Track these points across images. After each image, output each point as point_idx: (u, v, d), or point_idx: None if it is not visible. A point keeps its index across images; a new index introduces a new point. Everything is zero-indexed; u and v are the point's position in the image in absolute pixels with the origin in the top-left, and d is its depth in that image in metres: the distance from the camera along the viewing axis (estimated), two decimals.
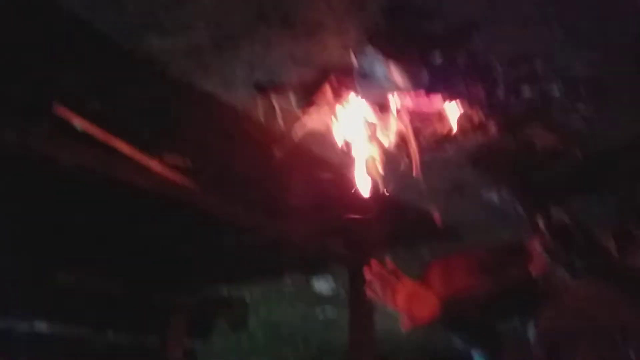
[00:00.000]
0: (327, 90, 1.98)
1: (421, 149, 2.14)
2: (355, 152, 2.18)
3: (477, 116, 2.03)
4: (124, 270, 3.72)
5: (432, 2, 1.67)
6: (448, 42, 1.77)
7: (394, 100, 1.97)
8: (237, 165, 2.53)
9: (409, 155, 2.09)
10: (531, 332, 1.84)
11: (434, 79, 1.83)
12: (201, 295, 4.32)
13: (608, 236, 1.71)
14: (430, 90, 1.89)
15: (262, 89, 2.01)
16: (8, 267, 3.01)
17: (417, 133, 2.10)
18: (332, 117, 2.08)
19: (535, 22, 1.72)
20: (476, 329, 1.89)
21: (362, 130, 2.08)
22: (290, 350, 5.91)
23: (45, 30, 1.80)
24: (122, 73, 2.01)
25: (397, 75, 1.80)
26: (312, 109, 2.08)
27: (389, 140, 2.10)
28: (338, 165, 2.31)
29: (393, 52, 1.79)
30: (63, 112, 2.14)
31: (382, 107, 2.00)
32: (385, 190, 2.65)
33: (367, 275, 1.84)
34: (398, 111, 2.00)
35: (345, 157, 2.21)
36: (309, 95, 1.99)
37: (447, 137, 2.16)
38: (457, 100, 1.96)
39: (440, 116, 2.04)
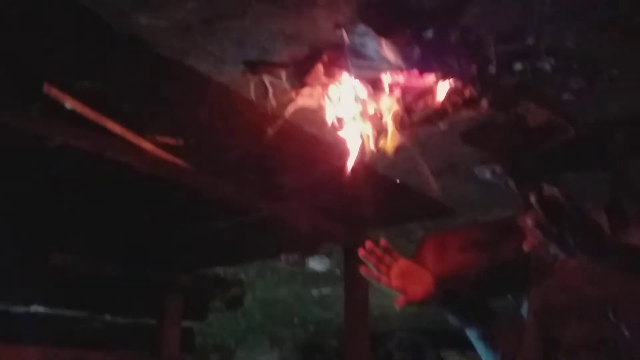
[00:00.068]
0: (319, 68, 1.96)
1: (414, 126, 2.13)
2: (348, 131, 2.17)
3: (469, 92, 2.02)
4: (119, 252, 3.73)
5: None
6: (440, 18, 1.75)
7: (386, 78, 1.96)
8: (229, 145, 2.52)
9: (401, 133, 2.08)
10: (524, 309, 1.85)
11: (426, 56, 1.82)
12: (197, 276, 4.33)
13: (600, 212, 1.71)
14: (422, 67, 1.88)
15: (253, 67, 1.99)
16: (2, 250, 3.00)
17: (409, 110, 2.10)
18: (325, 95, 2.07)
19: None
20: (470, 306, 1.90)
21: (355, 108, 2.08)
22: (286, 329, 5.95)
23: (34, 10, 1.78)
24: (111, 52, 1.99)
25: (389, 52, 1.79)
26: (305, 88, 2.07)
27: (381, 118, 2.09)
28: (331, 144, 2.30)
29: (385, 28, 1.77)
30: (53, 92, 2.13)
31: (374, 85, 1.99)
32: (378, 168, 2.66)
33: (361, 254, 1.84)
34: (390, 88, 1.98)
35: (338, 135, 2.21)
36: (300, 74, 1.97)
37: (440, 114, 2.15)
38: (449, 76, 1.95)
39: (433, 93, 2.03)
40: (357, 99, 2.05)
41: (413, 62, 1.82)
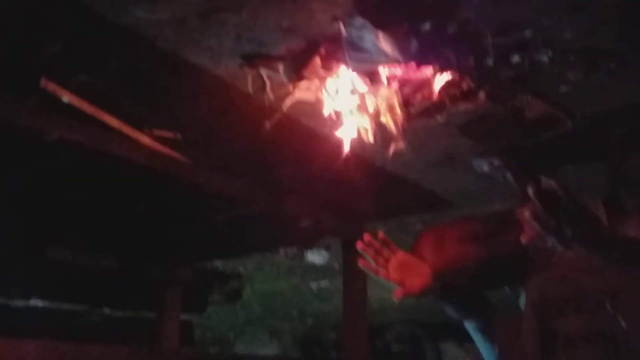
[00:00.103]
0: (317, 61, 1.96)
1: (411, 119, 2.13)
2: (345, 124, 2.17)
3: (467, 85, 2.02)
4: (118, 246, 3.73)
5: None
6: (437, 10, 1.75)
7: (384, 71, 1.95)
8: (227, 138, 2.52)
9: (399, 126, 2.08)
10: (522, 301, 1.85)
11: (423, 48, 1.81)
12: (196, 269, 4.33)
13: (598, 204, 1.72)
14: (419, 59, 1.88)
15: (251, 60, 1.99)
16: (1, 244, 3.01)
17: (407, 103, 2.09)
18: (322, 88, 2.07)
19: None
20: (468, 298, 1.90)
21: (352, 101, 2.07)
22: (285, 322, 5.96)
23: (30, 3, 1.78)
24: (108, 45, 1.98)
25: (386, 44, 1.79)
26: (302, 82, 2.06)
27: (379, 111, 2.09)
28: (329, 137, 2.30)
29: (382, 21, 1.77)
30: (50, 86, 2.12)
31: (372, 78, 1.98)
32: (376, 161, 2.66)
33: (360, 247, 1.85)
34: (388, 81, 1.98)
35: (335, 128, 2.20)
36: (298, 67, 1.97)
37: (437, 107, 2.15)
38: (447, 69, 1.95)
39: (430, 85, 2.03)
40: (354, 92, 2.04)
41: (410, 55, 1.82)
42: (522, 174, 2.52)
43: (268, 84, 2.09)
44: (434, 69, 1.95)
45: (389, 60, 1.85)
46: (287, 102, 2.16)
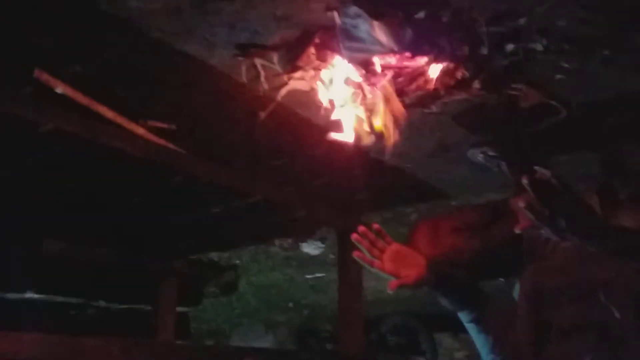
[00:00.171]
0: (311, 51, 1.95)
1: (406, 109, 2.13)
2: (340, 114, 2.16)
3: (461, 74, 2.02)
4: (113, 238, 3.72)
5: None
6: None
7: (378, 60, 1.95)
8: (222, 129, 2.51)
9: (394, 116, 2.08)
10: (516, 292, 1.85)
11: (418, 38, 1.80)
12: (191, 261, 4.33)
13: (592, 194, 1.72)
14: (414, 49, 1.87)
15: (245, 50, 1.98)
16: None
17: (401, 92, 2.09)
18: (317, 78, 2.06)
19: None
20: (462, 289, 1.91)
21: (347, 91, 2.07)
22: (281, 314, 5.97)
23: None
24: (101, 36, 1.97)
25: (381, 34, 1.78)
26: (297, 71, 2.06)
27: (374, 101, 2.08)
28: (324, 127, 2.30)
29: (377, 10, 1.76)
30: (44, 76, 2.11)
31: (366, 68, 1.98)
32: (371, 151, 2.65)
33: (354, 238, 1.84)
34: (382, 71, 1.98)
35: (331, 118, 2.20)
36: (292, 57, 1.96)
37: (432, 96, 2.15)
38: (441, 58, 1.94)
39: (425, 75, 2.02)
40: (349, 81, 2.04)
41: (405, 44, 1.81)
42: (516, 163, 2.52)
43: (262, 73, 2.08)
44: (428, 58, 1.95)
45: (383, 50, 1.85)
46: (282, 92, 2.15)
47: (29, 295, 4.04)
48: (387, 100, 2.05)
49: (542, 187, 1.38)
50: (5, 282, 3.77)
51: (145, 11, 1.83)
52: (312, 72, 2.03)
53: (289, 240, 4.02)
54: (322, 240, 4.04)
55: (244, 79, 2.12)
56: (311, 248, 4.13)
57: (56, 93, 2.15)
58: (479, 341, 1.89)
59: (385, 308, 5.70)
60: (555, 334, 1.66)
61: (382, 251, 1.85)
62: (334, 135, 2.20)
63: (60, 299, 4.22)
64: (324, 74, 2.03)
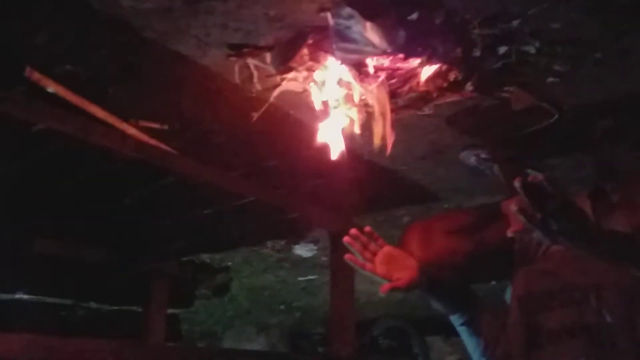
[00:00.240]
0: (304, 52, 1.95)
1: (399, 111, 2.12)
2: (333, 115, 2.16)
3: (454, 76, 2.02)
4: (104, 239, 3.70)
5: None
6: (425, 1, 1.74)
7: (371, 62, 1.94)
8: (214, 129, 2.50)
9: (386, 118, 2.07)
10: (508, 295, 1.85)
11: (411, 39, 1.80)
12: (183, 262, 4.31)
13: (584, 198, 1.72)
14: (407, 50, 1.87)
15: (237, 50, 1.97)
16: None
17: (394, 94, 2.09)
18: (310, 79, 2.05)
19: None
20: (454, 292, 1.91)
21: (340, 92, 2.06)
22: (273, 316, 5.95)
23: None
24: (93, 35, 1.96)
25: (374, 35, 1.77)
26: (290, 72, 2.05)
27: (367, 102, 2.08)
28: (317, 128, 2.29)
29: (370, 11, 1.75)
30: (34, 75, 2.09)
31: (359, 69, 1.97)
32: (364, 153, 2.65)
33: (346, 241, 1.84)
34: (375, 72, 1.97)
35: (323, 120, 2.19)
36: (285, 57, 1.95)
37: (425, 98, 2.14)
38: (434, 60, 1.94)
39: (418, 77, 2.02)
40: (342, 83, 2.03)
41: (398, 46, 1.81)
42: (508, 166, 2.52)
43: (255, 74, 2.07)
44: (421, 60, 1.94)
45: (376, 51, 1.84)
46: (275, 93, 2.14)
47: (19, 295, 4.02)
48: (380, 102, 2.04)
49: (534, 190, 1.38)
50: None
51: (138, 10, 1.82)
52: (305, 73, 2.02)
53: (282, 242, 4.01)
54: (315, 242, 4.03)
55: (236, 79, 2.11)
56: (304, 250, 4.13)
57: (47, 92, 2.13)
58: (471, 344, 1.89)
59: (377, 311, 5.70)
60: (546, 338, 1.66)
61: (373, 254, 1.85)
62: (325, 138, 2.19)
63: (50, 299, 4.20)
64: (317, 75, 2.03)
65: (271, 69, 2.03)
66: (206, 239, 3.81)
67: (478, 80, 2.04)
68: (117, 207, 3.12)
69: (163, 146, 2.52)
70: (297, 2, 1.77)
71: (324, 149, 2.25)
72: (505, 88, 2.12)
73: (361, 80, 1.99)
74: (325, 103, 2.12)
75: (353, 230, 1.85)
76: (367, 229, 1.87)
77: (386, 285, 1.81)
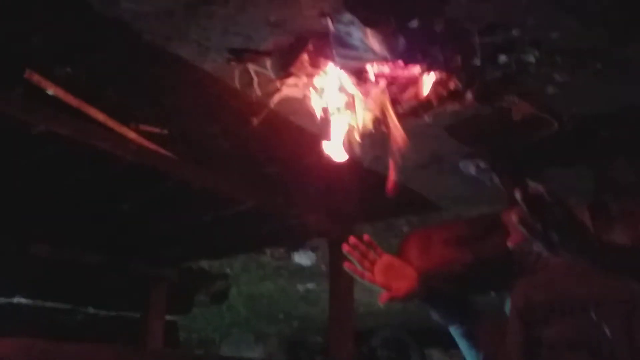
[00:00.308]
0: (304, 58, 1.94)
1: (399, 119, 2.11)
2: (333, 122, 2.15)
3: (454, 85, 2.01)
4: (103, 244, 3.69)
5: None
6: (426, 8, 1.74)
7: (371, 68, 1.94)
8: (214, 134, 2.50)
9: (387, 126, 2.06)
10: (507, 306, 1.83)
11: (410, 46, 1.80)
12: (182, 269, 4.30)
13: (583, 209, 1.70)
14: (407, 57, 1.86)
15: (238, 55, 1.97)
16: None
17: (394, 102, 2.08)
18: (310, 85, 2.05)
19: None
20: (453, 303, 1.89)
21: (340, 99, 2.05)
22: (271, 325, 5.93)
23: None
24: (94, 37, 1.96)
25: (374, 42, 1.77)
26: (290, 78, 2.04)
27: (367, 110, 2.07)
28: (317, 135, 2.28)
29: (370, 18, 1.75)
30: (34, 77, 2.09)
31: (359, 76, 1.97)
32: (364, 161, 2.64)
33: (345, 250, 1.82)
34: (376, 79, 1.96)
35: (324, 127, 2.18)
36: (285, 63, 1.95)
37: (425, 106, 2.14)
38: (434, 68, 1.93)
39: (418, 84, 2.01)
40: (342, 89, 2.03)
41: (398, 53, 1.81)
42: (508, 176, 2.51)
43: (255, 79, 2.07)
44: (421, 67, 1.94)
45: (376, 58, 1.84)
46: (275, 99, 2.14)
47: (17, 299, 4.01)
48: (381, 109, 2.04)
49: (535, 202, 1.36)
50: None
51: (138, 13, 1.82)
52: (305, 79, 2.02)
53: (280, 250, 4.00)
54: (314, 250, 4.02)
55: (236, 84, 2.11)
56: (303, 258, 4.11)
57: (47, 94, 2.13)
58: (470, 356, 1.87)
59: (376, 321, 5.67)
60: (545, 351, 1.64)
61: (372, 263, 1.83)
62: (326, 148, 2.17)
63: (48, 304, 4.19)
64: (317, 81, 2.02)
65: (271, 75, 2.02)
66: (205, 245, 3.80)
67: (478, 89, 2.04)
68: (115, 211, 3.11)
69: (162, 151, 2.51)
70: (298, 8, 1.77)
71: (324, 156, 2.24)
72: (506, 97, 2.12)
73: (361, 87, 1.98)
74: (325, 110, 2.12)
75: (352, 239, 1.84)
76: (366, 237, 1.86)
77: (385, 295, 1.80)
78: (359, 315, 3.98)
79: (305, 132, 2.41)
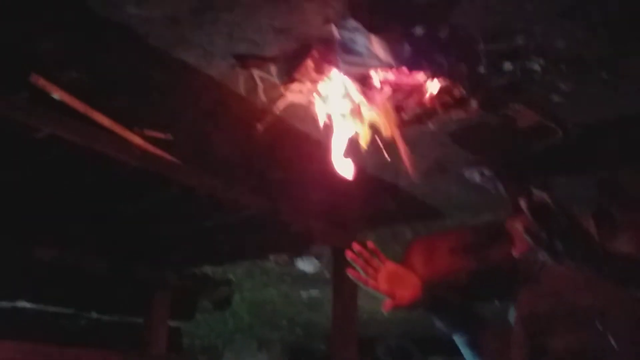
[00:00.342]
0: (309, 64, 1.94)
1: (403, 126, 2.11)
2: (337, 129, 2.14)
3: (459, 92, 2.01)
4: (106, 249, 3.69)
5: None
6: (430, 15, 1.73)
7: (376, 75, 1.93)
8: (218, 140, 2.50)
9: (391, 132, 2.06)
10: (512, 315, 1.82)
11: (415, 53, 1.80)
12: (185, 275, 4.29)
13: (588, 218, 1.69)
14: (412, 64, 1.86)
15: (243, 60, 1.97)
16: None
17: (399, 109, 2.07)
18: (314, 92, 2.04)
19: None
20: (457, 311, 1.88)
21: (345, 105, 2.05)
22: (274, 331, 5.92)
23: None
24: (99, 42, 1.97)
25: (378, 48, 1.77)
26: (294, 84, 2.04)
27: (371, 116, 2.06)
28: (321, 141, 2.28)
29: (375, 25, 1.75)
30: (40, 82, 2.09)
31: (364, 82, 1.97)
32: (368, 168, 2.63)
33: (349, 256, 1.82)
34: (380, 86, 1.96)
35: (328, 133, 2.18)
36: (290, 69, 1.95)
37: (429, 114, 2.13)
38: (439, 75, 1.93)
39: (422, 92, 2.01)
40: (346, 96, 2.02)
41: (403, 60, 1.81)
42: (513, 184, 2.50)
43: (260, 85, 2.07)
44: (426, 75, 1.94)
45: (381, 64, 1.84)
46: (280, 105, 2.13)
47: (21, 303, 4.01)
48: (386, 116, 2.03)
49: (539, 210, 1.36)
50: None
51: (144, 19, 1.82)
52: (309, 85, 2.01)
53: (284, 256, 3.99)
54: (318, 257, 4.01)
55: (241, 90, 2.11)
56: (306, 265, 4.10)
57: (52, 99, 2.13)
58: None
59: (380, 328, 5.65)
60: None
61: (376, 270, 1.83)
62: (330, 152, 2.17)
63: (52, 308, 4.19)
64: (322, 87, 2.02)
65: (276, 80, 2.02)
66: (208, 251, 3.79)
67: (483, 96, 2.03)
68: (119, 216, 3.11)
69: (167, 156, 2.51)
70: (303, 14, 1.77)
71: (329, 163, 2.23)
72: (510, 105, 2.11)
73: (366, 94, 1.98)
74: (329, 116, 2.11)
75: (356, 246, 1.83)
76: (370, 244, 1.85)
77: (389, 303, 1.79)
78: (363, 323, 3.96)
79: (310, 139, 2.41)
